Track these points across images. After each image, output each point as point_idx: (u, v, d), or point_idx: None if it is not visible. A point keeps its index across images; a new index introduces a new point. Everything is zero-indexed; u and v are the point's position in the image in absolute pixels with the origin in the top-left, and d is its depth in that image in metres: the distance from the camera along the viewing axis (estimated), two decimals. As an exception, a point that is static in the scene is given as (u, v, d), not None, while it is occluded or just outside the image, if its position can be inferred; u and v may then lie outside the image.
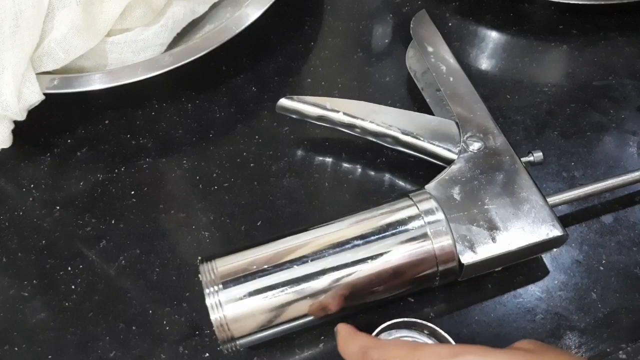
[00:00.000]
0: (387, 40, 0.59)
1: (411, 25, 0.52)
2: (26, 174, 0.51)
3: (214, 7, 0.57)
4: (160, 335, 0.43)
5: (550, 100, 0.53)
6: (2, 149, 0.49)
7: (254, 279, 0.37)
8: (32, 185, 0.50)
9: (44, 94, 0.48)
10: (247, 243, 0.39)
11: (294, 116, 0.49)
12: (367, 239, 0.38)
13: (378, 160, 0.50)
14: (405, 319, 0.38)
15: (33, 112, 0.49)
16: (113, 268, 0.46)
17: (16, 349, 0.43)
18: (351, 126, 0.47)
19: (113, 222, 0.48)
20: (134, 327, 0.43)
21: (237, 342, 0.38)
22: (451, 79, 0.49)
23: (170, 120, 0.53)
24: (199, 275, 0.38)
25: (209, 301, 0.37)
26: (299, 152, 0.51)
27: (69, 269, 0.46)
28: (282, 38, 0.58)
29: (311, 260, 0.38)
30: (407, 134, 0.46)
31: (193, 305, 0.44)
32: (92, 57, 0.51)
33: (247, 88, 0.55)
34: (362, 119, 0.47)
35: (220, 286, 0.37)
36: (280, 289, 0.37)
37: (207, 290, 0.37)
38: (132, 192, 0.49)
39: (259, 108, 0.54)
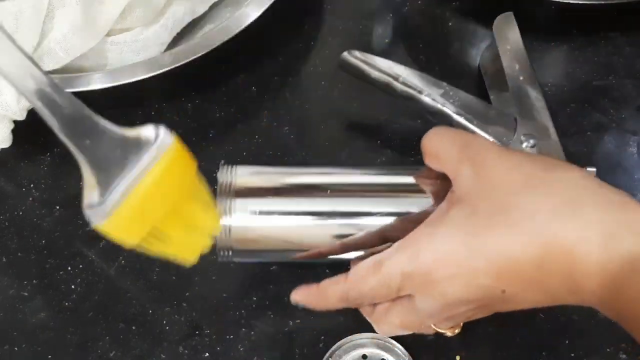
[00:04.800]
0: (387, 40, 0.59)
1: (495, 22, 0.52)
2: (26, 174, 0.51)
3: (214, 7, 0.57)
4: (160, 335, 0.43)
5: (550, 100, 0.53)
6: (2, 149, 0.49)
7: (277, 196, 0.36)
8: (32, 185, 0.50)
9: (44, 93, 0.48)
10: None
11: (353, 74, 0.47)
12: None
13: (378, 160, 0.50)
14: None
15: (33, 112, 0.49)
16: (113, 268, 0.46)
17: (16, 349, 0.43)
18: (408, 97, 0.46)
19: (113, 222, 0.48)
20: (134, 327, 0.43)
21: (233, 258, 0.37)
22: (521, 77, 0.48)
23: (170, 120, 0.53)
24: (218, 175, 0.37)
25: (221, 206, 0.36)
26: (300, 153, 0.51)
27: (69, 268, 0.46)
28: (282, 38, 0.58)
29: (347, 197, 0.37)
30: (460, 115, 0.44)
31: (193, 305, 0.44)
32: (92, 57, 0.51)
33: (247, 88, 0.55)
34: (420, 92, 0.45)
35: (235, 199, 0.36)
36: (299, 217, 0.36)
37: (221, 195, 0.36)
38: (132, 192, 0.49)
39: (259, 108, 0.54)
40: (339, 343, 0.41)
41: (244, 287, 0.45)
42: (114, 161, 0.29)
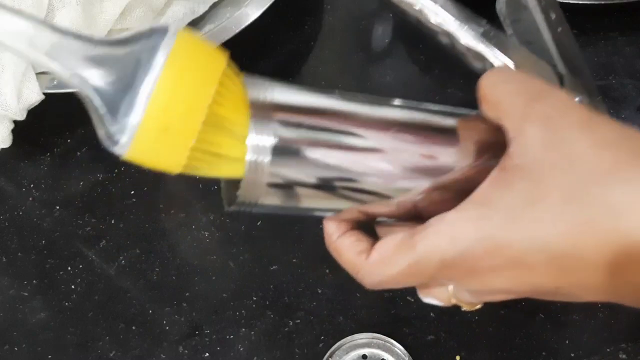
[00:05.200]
0: (387, 40, 0.59)
1: None
2: (26, 174, 0.51)
3: (214, 7, 0.57)
4: (160, 335, 0.43)
5: (550, 100, 0.53)
6: (2, 149, 0.49)
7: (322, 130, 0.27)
8: (32, 185, 0.50)
9: (44, 93, 0.48)
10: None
11: None
12: None
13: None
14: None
15: (33, 112, 0.49)
16: (113, 268, 0.46)
17: (16, 349, 0.43)
18: (439, 32, 0.39)
19: (113, 222, 0.48)
20: (134, 327, 0.43)
21: (255, 208, 0.29)
22: (559, 29, 0.40)
23: (170, 120, 0.53)
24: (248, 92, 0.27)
25: (254, 139, 0.26)
26: (299, 152, 0.51)
27: (69, 268, 0.46)
28: (282, 38, 0.58)
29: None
30: (503, 61, 0.38)
31: (193, 305, 0.44)
32: (92, 57, 0.51)
33: (247, 88, 0.55)
34: (457, 27, 0.38)
35: (276, 123, 0.26)
36: (358, 153, 0.27)
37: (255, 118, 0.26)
38: (132, 192, 0.49)
39: (259, 108, 0.54)
40: (339, 343, 0.41)
41: (244, 287, 0.45)
42: (117, 78, 0.24)
